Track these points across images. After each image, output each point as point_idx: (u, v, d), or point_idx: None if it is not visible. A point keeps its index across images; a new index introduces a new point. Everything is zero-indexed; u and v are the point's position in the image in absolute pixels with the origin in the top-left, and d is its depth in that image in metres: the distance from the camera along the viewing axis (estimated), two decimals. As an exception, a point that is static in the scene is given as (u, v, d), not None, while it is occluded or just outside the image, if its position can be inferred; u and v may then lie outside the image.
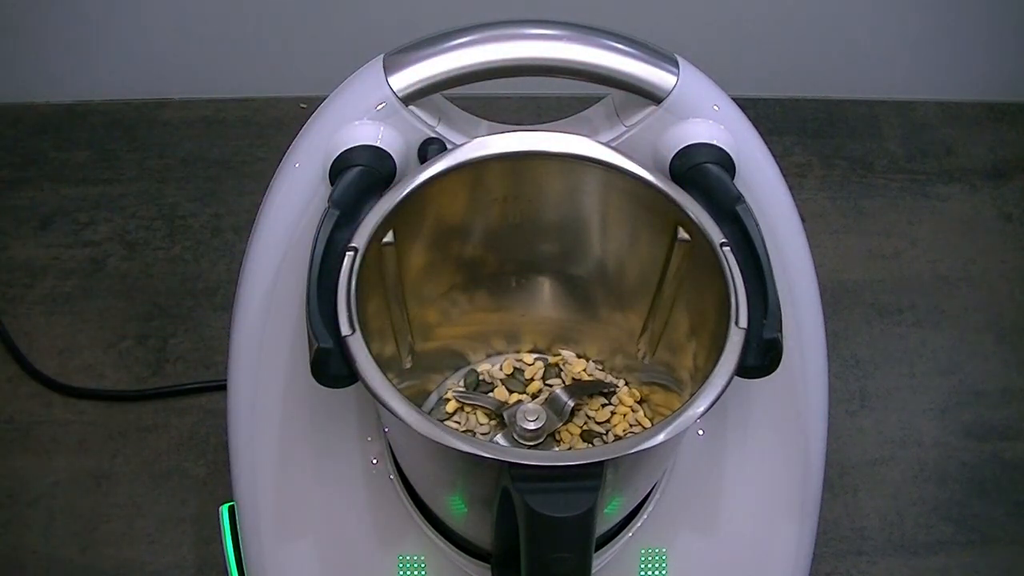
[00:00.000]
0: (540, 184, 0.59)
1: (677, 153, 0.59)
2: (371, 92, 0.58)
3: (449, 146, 0.58)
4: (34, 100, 1.17)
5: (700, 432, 0.66)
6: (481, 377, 0.69)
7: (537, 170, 0.58)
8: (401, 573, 0.64)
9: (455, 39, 0.58)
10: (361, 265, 0.52)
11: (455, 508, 0.61)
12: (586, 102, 0.64)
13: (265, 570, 0.65)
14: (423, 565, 0.64)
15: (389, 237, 0.56)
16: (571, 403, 0.65)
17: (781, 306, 0.52)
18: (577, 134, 0.58)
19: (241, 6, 1.09)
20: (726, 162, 0.59)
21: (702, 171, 0.58)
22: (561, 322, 0.69)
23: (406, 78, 0.58)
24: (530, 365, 0.69)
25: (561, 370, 0.69)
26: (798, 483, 0.67)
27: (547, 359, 0.70)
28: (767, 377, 0.52)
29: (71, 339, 1.00)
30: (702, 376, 0.51)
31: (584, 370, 0.69)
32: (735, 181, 0.58)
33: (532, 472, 0.48)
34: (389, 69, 0.58)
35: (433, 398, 0.68)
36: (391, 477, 0.64)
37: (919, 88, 1.20)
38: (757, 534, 0.67)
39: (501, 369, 0.69)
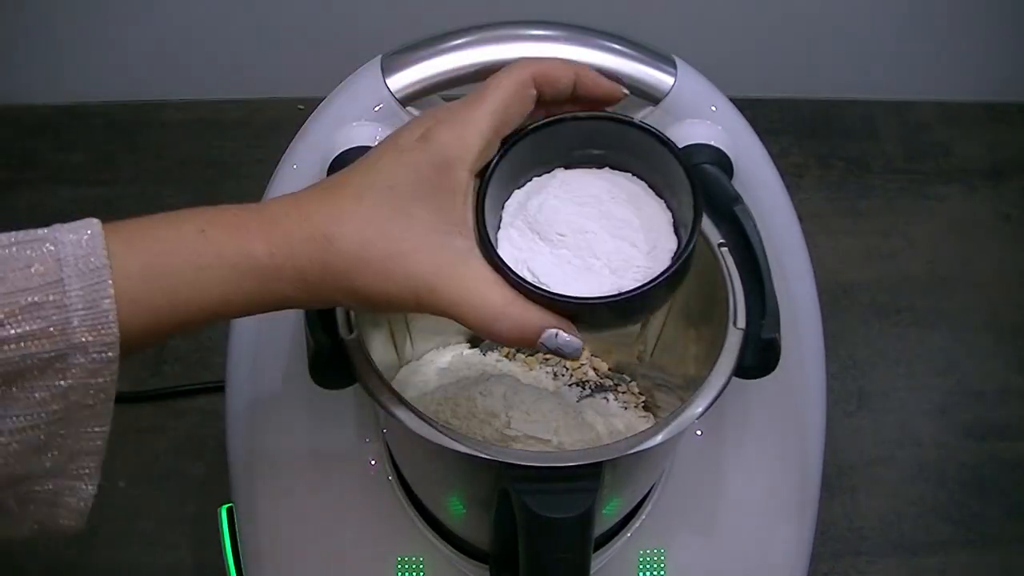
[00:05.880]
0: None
1: (675, 154, 0.59)
2: (369, 93, 0.58)
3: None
4: (32, 101, 1.17)
5: (698, 432, 0.66)
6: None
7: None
8: (400, 574, 0.64)
9: (453, 40, 0.58)
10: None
11: (453, 509, 0.61)
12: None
13: (264, 571, 0.65)
14: (421, 566, 0.64)
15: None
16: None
17: (779, 306, 0.52)
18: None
19: (238, 8, 1.09)
20: (724, 163, 0.59)
21: (700, 171, 0.58)
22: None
23: (404, 79, 0.58)
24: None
25: (564, 363, 0.69)
26: (796, 483, 0.67)
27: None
28: (765, 377, 0.52)
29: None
30: (700, 376, 0.51)
31: (586, 363, 0.69)
32: (733, 181, 0.58)
33: (530, 473, 0.48)
34: (387, 70, 0.58)
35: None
36: (389, 478, 0.64)
37: (916, 88, 1.20)
38: (755, 534, 0.67)
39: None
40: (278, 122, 1.13)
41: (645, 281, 0.44)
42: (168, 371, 0.99)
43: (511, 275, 0.43)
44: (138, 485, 0.92)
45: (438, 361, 0.67)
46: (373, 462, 0.64)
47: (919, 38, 1.16)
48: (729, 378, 0.50)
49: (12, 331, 0.36)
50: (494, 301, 0.42)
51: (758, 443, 0.66)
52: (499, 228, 0.47)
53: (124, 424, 0.98)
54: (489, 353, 0.68)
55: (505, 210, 0.47)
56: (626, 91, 0.48)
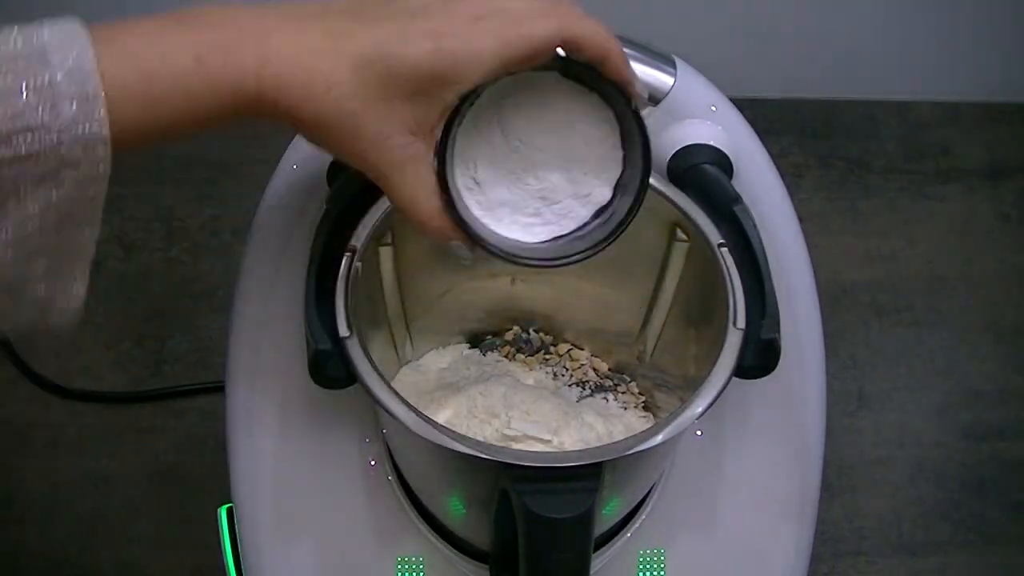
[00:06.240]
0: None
1: (675, 154, 0.59)
2: (369, 93, 0.58)
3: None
4: (32, 102, 1.17)
5: (698, 433, 0.66)
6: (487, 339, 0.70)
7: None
8: (399, 574, 0.64)
9: (453, 40, 0.58)
10: (359, 266, 0.52)
11: (453, 509, 0.61)
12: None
13: (263, 572, 0.65)
14: (421, 566, 0.64)
15: (387, 238, 0.56)
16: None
17: (779, 306, 0.52)
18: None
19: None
20: (723, 163, 0.59)
21: (700, 172, 0.58)
22: (560, 321, 0.69)
23: (404, 79, 0.58)
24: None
25: (564, 363, 0.69)
26: (796, 484, 0.67)
27: (550, 349, 0.70)
28: (765, 378, 0.52)
29: (69, 341, 1.00)
30: (700, 376, 0.51)
31: (586, 364, 0.69)
32: (732, 182, 0.58)
33: (530, 473, 0.48)
34: (387, 70, 0.58)
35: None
36: (389, 478, 0.64)
37: (916, 88, 1.20)
38: (756, 534, 0.67)
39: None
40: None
41: (545, 253, 0.49)
42: (168, 371, 0.99)
43: (448, 200, 0.47)
44: (137, 485, 0.92)
45: (438, 361, 0.67)
46: (373, 462, 0.64)
47: (919, 38, 1.16)
48: (729, 378, 0.50)
49: (6, 152, 0.37)
50: (426, 210, 0.47)
51: (758, 443, 0.66)
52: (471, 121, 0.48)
53: (124, 424, 0.99)
54: (489, 353, 0.68)
55: (482, 99, 0.48)
56: (644, 96, 0.49)
